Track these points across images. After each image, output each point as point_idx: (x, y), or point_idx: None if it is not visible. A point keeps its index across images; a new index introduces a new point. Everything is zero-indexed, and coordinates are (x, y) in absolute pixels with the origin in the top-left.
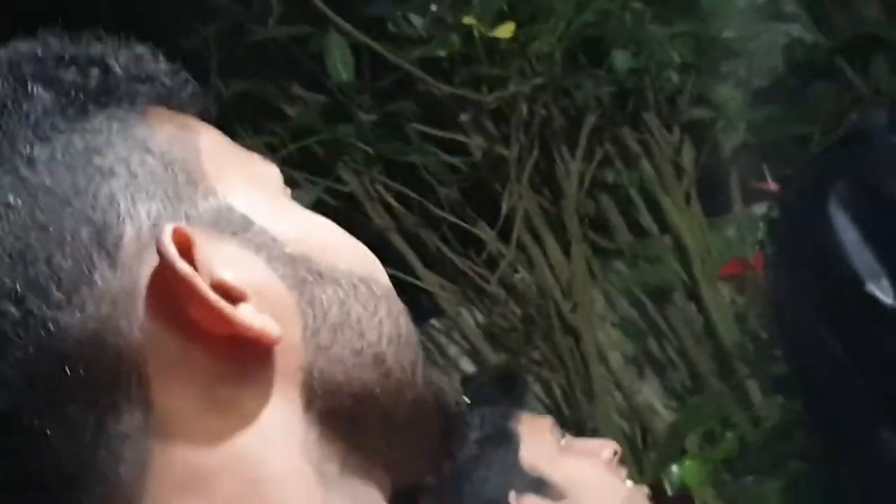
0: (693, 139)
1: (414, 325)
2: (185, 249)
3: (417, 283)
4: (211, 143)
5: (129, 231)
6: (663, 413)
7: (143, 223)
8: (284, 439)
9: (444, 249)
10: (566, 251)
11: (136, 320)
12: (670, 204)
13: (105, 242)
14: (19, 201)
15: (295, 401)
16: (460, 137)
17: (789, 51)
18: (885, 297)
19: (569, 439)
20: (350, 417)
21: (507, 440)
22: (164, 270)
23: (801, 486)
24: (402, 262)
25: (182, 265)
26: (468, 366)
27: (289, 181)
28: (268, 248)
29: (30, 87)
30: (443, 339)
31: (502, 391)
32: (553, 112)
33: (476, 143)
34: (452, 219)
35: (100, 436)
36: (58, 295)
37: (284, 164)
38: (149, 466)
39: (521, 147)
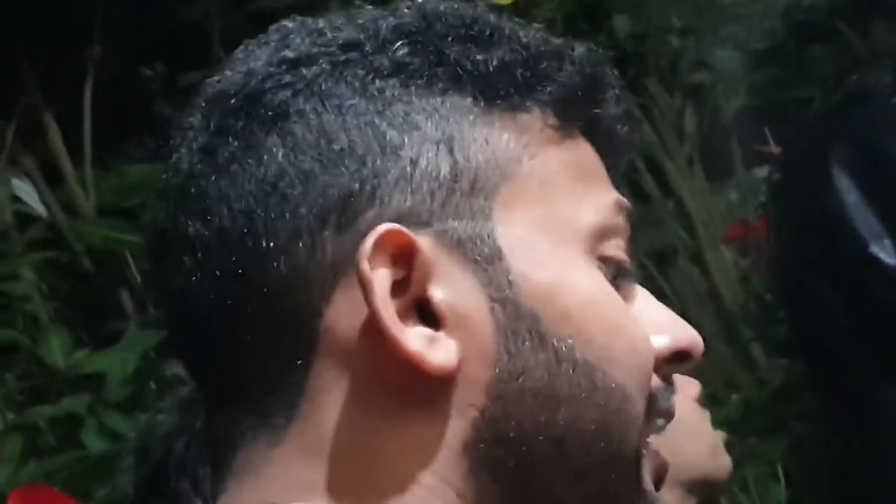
0: (694, 103)
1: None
2: (406, 254)
3: None
4: (558, 165)
5: (371, 213)
6: None
7: (385, 211)
8: (438, 471)
9: None
10: None
11: (329, 290)
12: (673, 168)
13: (345, 211)
14: (307, 139)
15: (459, 435)
16: None
17: (788, 13)
18: (887, 257)
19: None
20: (510, 477)
21: None
22: (358, 267)
23: (805, 445)
24: None
25: (363, 266)
26: None
27: None
28: (498, 287)
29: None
30: None
31: None
32: None
33: None
34: None
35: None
36: (286, 237)
37: None
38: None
39: None
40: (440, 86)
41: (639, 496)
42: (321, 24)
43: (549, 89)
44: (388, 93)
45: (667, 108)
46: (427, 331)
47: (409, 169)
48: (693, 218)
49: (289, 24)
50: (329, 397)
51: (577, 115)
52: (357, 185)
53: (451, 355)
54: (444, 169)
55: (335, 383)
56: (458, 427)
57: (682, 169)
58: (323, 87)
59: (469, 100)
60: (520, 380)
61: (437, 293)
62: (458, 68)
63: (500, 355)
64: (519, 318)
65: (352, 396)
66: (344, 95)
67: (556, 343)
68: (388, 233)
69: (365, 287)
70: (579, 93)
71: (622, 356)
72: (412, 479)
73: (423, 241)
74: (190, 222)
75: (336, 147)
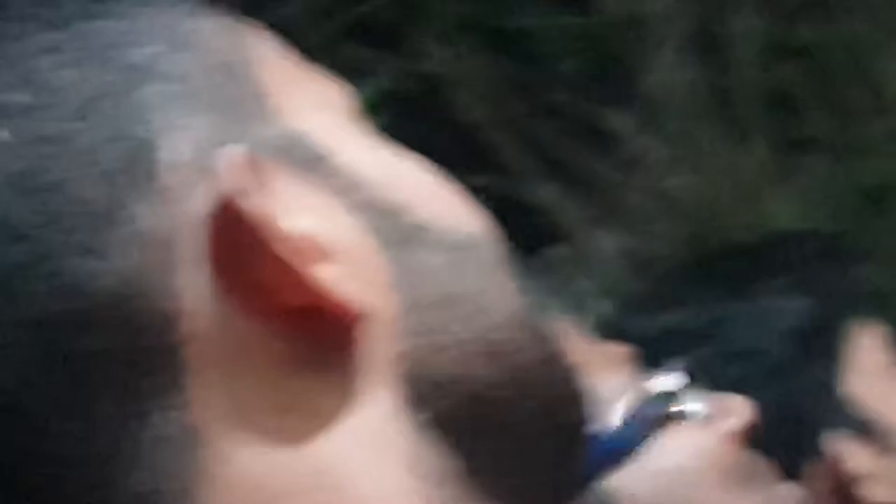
0: None
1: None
2: (249, 184)
3: (530, 198)
4: (270, 53)
5: (173, 152)
6: None
7: (188, 144)
8: (382, 448)
9: (567, 148)
10: (743, 143)
11: (180, 279)
12: (891, 71)
13: (142, 166)
14: (27, 102)
15: (394, 399)
16: None
17: None
18: None
19: None
20: (469, 424)
21: (830, 355)
22: (223, 211)
23: None
24: (507, 169)
25: (248, 203)
26: (604, 308)
27: (349, 62)
28: (353, 191)
29: None
30: (568, 273)
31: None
32: None
33: None
34: (577, 105)
35: (126, 440)
36: (78, 235)
37: (337, 39)
38: (196, 484)
39: None
40: None
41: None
42: None
43: None
44: (84, 9)
45: None
46: (333, 269)
47: (170, 84)
48: None
49: None
50: (217, 423)
51: None
52: (132, 128)
53: (362, 291)
54: (208, 72)
55: (216, 397)
56: (390, 390)
57: None
58: (4, 31)
59: None
60: (428, 293)
61: (301, 224)
62: None
63: (396, 272)
64: (388, 220)
65: (242, 400)
66: (36, 33)
67: (433, 231)
68: (238, 158)
69: (258, 229)
70: None
71: (470, 213)
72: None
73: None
74: None
75: (80, 94)
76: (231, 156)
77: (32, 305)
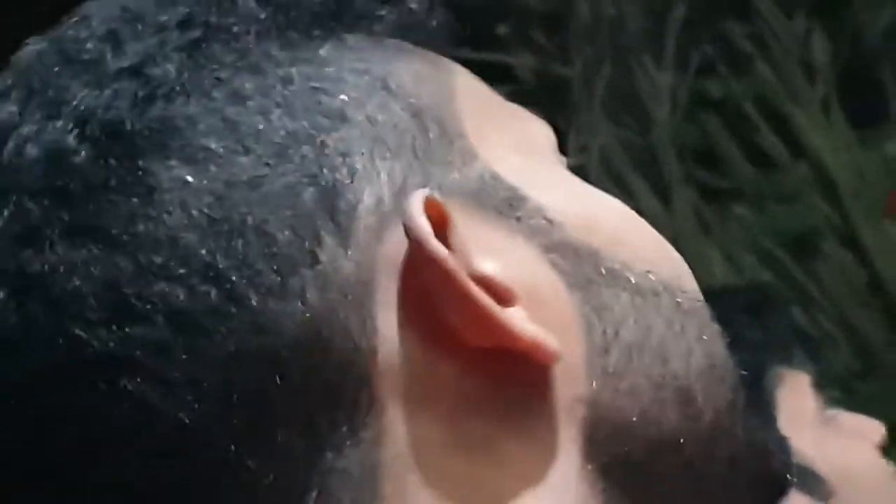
0: (825, 25)
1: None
2: (439, 228)
3: None
4: (468, 91)
5: (365, 197)
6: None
7: (384, 188)
8: (558, 495)
9: None
10: (665, 199)
11: (370, 319)
12: (803, 118)
13: (335, 210)
14: (223, 148)
15: (573, 444)
16: (501, 58)
17: None
18: None
19: (833, 411)
20: (644, 472)
21: (760, 405)
22: (413, 254)
23: None
24: None
25: (438, 248)
26: None
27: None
28: (544, 233)
29: (238, 0)
30: None
31: (751, 318)
32: (626, 7)
33: (523, 62)
34: None
35: (312, 471)
36: (269, 276)
37: None
38: None
39: (587, 61)
40: (315, 31)
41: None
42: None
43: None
44: (275, 56)
45: (787, 35)
46: (521, 311)
47: (370, 128)
48: (839, 185)
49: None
50: (398, 460)
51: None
52: (329, 172)
53: (551, 334)
54: (402, 115)
55: (400, 435)
56: (569, 434)
57: (817, 119)
58: (201, 79)
59: (355, 36)
60: (619, 338)
61: (488, 265)
62: (307, 8)
63: (585, 315)
64: (580, 261)
65: (425, 438)
66: (231, 80)
67: (628, 275)
68: (427, 202)
69: (446, 273)
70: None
71: (671, 258)
72: None
73: (447, 205)
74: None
75: (273, 139)
76: (419, 200)
77: (224, 344)
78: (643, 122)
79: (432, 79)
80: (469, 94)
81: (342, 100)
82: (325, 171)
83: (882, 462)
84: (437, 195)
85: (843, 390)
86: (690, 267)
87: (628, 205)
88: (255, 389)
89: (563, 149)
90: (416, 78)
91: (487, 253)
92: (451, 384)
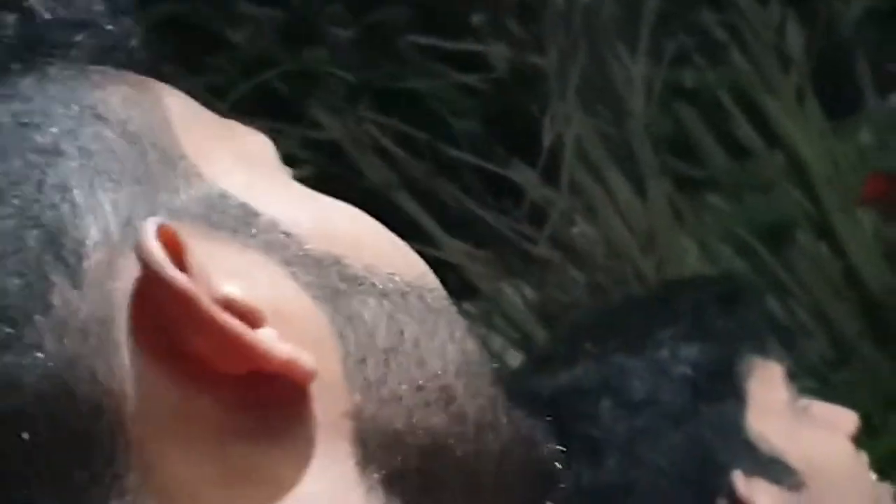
0: (800, 15)
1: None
2: (174, 255)
3: (436, 254)
4: (181, 109)
5: (92, 232)
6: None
7: (110, 220)
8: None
9: (470, 204)
10: (640, 189)
11: (114, 358)
12: (777, 107)
13: (61, 250)
14: None
15: (346, 461)
16: (475, 47)
17: None
18: None
19: (805, 401)
20: (420, 480)
21: (730, 395)
22: (150, 285)
23: None
24: (412, 227)
25: (175, 275)
26: (518, 360)
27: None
28: (282, 247)
29: None
30: (481, 328)
31: (722, 308)
32: None
33: (498, 52)
34: (476, 161)
35: None
36: (3, 329)
37: (235, 111)
38: None
39: (562, 51)
40: (12, 65)
41: None
42: None
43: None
44: None
45: (761, 23)
46: (270, 331)
47: (87, 159)
48: (813, 174)
49: None
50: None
51: None
52: (50, 211)
53: (304, 350)
54: (118, 142)
55: (166, 476)
56: (339, 450)
57: (791, 108)
58: None
59: (55, 66)
60: (374, 345)
61: (230, 288)
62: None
63: (337, 326)
64: (323, 272)
65: (192, 475)
66: None
67: (371, 278)
68: (160, 229)
69: (188, 300)
70: None
71: (410, 259)
72: None
73: (178, 229)
74: None
75: None
76: (151, 228)
77: None
78: (618, 112)
79: (142, 101)
80: (183, 113)
81: (53, 133)
82: (46, 210)
83: (855, 452)
84: (168, 221)
85: (817, 380)
86: (666, 257)
87: (603, 195)
88: (5, 449)
89: (537, 138)
90: (126, 102)
91: (227, 275)
92: (210, 415)
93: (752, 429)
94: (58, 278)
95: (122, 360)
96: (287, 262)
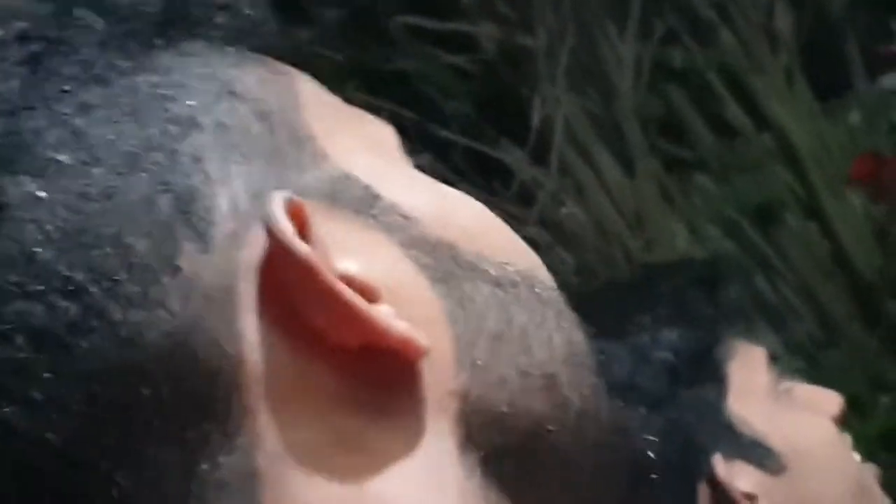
0: None
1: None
2: (299, 228)
3: None
4: (312, 94)
5: (222, 201)
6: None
7: (239, 192)
8: (438, 487)
9: (459, 185)
10: (628, 169)
11: (236, 325)
12: (766, 88)
13: (192, 216)
14: (73, 160)
15: (448, 437)
16: (465, 28)
17: None
18: None
19: (788, 384)
20: (519, 465)
21: (711, 379)
22: (276, 256)
23: None
24: None
25: (301, 247)
26: None
27: None
28: (402, 229)
29: (77, 13)
30: None
31: (704, 291)
32: None
33: (487, 32)
34: (465, 141)
35: (187, 483)
36: (130, 286)
37: None
38: None
39: (551, 32)
40: (156, 41)
41: None
42: None
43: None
44: (119, 66)
45: (751, 4)
46: (387, 307)
47: (221, 133)
48: (802, 155)
49: None
50: (275, 465)
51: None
52: (183, 179)
53: (418, 329)
54: (251, 119)
55: (275, 440)
56: (442, 427)
57: (780, 89)
58: (45, 92)
59: (194, 44)
60: (483, 329)
61: (350, 264)
62: (146, 17)
63: (450, 309)
64: (440, 256)
65: (300, 440)
66: (77, 92)
67: (485, 266)
68: (287, 204)
69: (311, 273)
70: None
71: (522, 249)
72: None
73: (305, 206)
74: None
75: (123, 148)
76: (279, 200)
77: (87, 360)
78: (607, 92)
79: (276, 83)
80: (313, 98)
81: (190, 106)
82: (179, 177)
83: (837, 434)
84: (295, 196)
85: (806, 360)
86: (654, 237)
87: (592, 175)
88: (122, 404)
89: (526, 119)
90: (261, 82)
91: (348, 252)
92: (322, 384)
93: (732, 412)
94: (187, 243)
95: (243, 326)
96: (405, 244)
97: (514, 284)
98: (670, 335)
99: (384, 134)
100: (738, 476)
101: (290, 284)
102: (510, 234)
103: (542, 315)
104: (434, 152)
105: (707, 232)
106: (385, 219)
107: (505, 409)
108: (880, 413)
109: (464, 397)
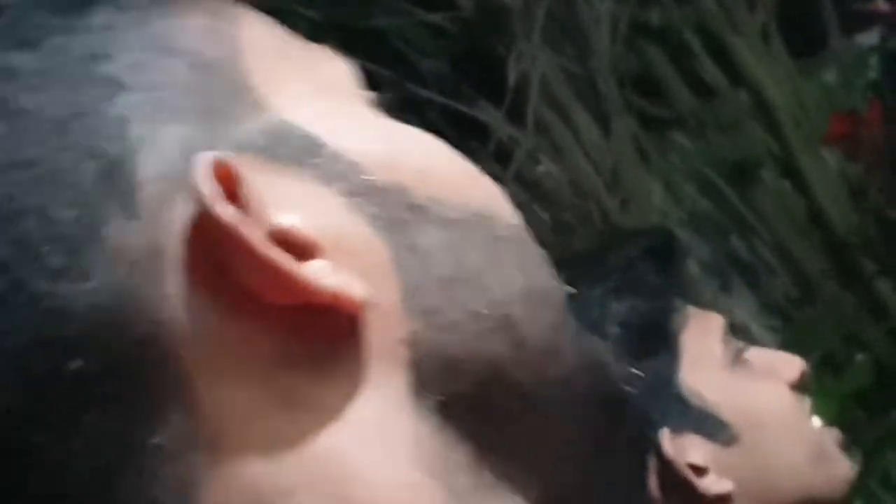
0: None
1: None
2: (230, 188)
3: None
4: (257, 37)
5: (149, 165)
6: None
7: (168, 153)
8: (389, 439)
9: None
10: (605, 128)
11: (165, 289)
12: (743, 46)
13: (117, 182)
14: None
15: (399, 387)
16: None
17: None
18: None
19: (747, 350)
20: (477, 407)
21: (663, 349)
22: (202, 219)
23: None
24: None
25: (224, 210)
26: None
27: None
28: (346, 177)
29: None
30: None
31: (655, 262)
32: None
33: None
34: (442, 100)
35: (126, 453)
36: (55, 258)
37: None
38: (197, 489)
39: None
40: None
41: None
42: None
43: None
44: (48, 25)
45: None
46: (322, 263)
47: (151, 92)
48: (778, 113)
49: None
50: (215, 428)
51: None
52: (108, 144)
53: (358, 280)
54: (185, 74)
55: (213, 403)
56: (394, 378)
57: (756, 46)
58: None
59: None
60: (432, 274)
61: (287, 219)
62: None
63: (397, 255)
64: (387, 201)
65: (240, 403)
66: (1, 56)
67: (439, 209)
68: (216, 163)
69: (235, 235)
70: None
71: (483, 188)
72: (392, 495)
73: (237, 163)
74: None
75: (50, 115)
76: (203, 162)
77: (17, 334)
78: (583, 50)
79: (215, 31)
80: (259, 42)
81: (120, 66)
82: (104, 143)
83: (794, 401)
84: (225, 155)
85: (781, 318)
86: (630, 195)
87: (568, 133)
88: (55, 376)
89: (503, 78)
90: (198, 33)
91: (285, 206)
92: (260, 345)
93: (684, 384)
94: (112, 210)
95: (172, 291)
96: (349, 193)
97: (469, 225)
98: (620, 308)
99: (337, 73)
100: (689, 448)
101: (217, 247)
102: (467, 171)
103: (499, 253)
104: (410, 111)
105: (683, 190)
106: (328, 167)
107: (458, 352)
108: (855, 371)
109: (414, 344)
